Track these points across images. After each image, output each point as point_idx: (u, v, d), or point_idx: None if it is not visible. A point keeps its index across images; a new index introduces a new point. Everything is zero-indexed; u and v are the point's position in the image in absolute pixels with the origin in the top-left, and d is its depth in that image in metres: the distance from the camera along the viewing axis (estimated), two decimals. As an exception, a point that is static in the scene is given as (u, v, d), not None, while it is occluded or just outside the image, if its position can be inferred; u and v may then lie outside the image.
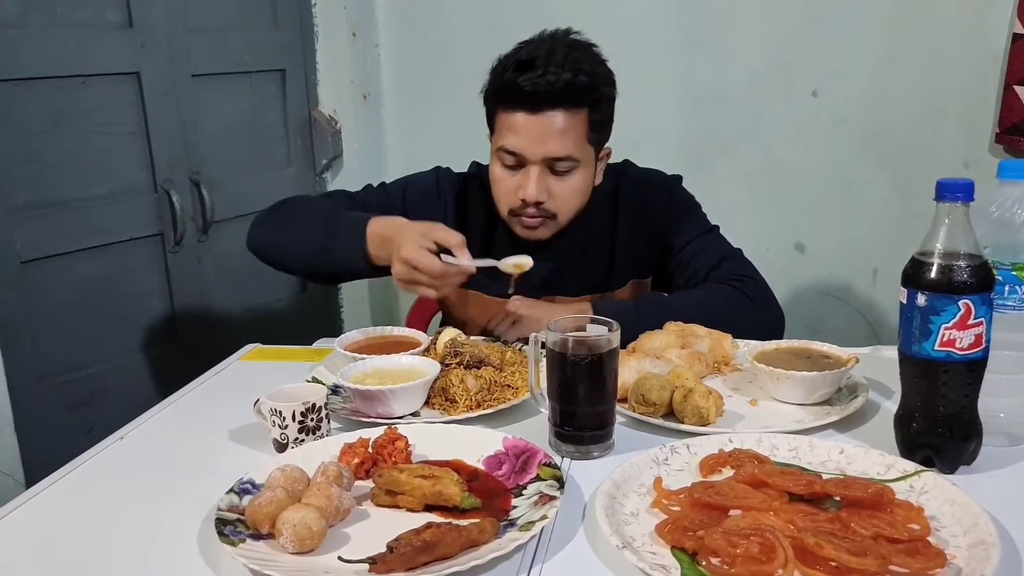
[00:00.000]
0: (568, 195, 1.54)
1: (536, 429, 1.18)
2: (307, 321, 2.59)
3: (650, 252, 1.67)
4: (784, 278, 2.44)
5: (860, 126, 2.42)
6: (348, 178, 2.66)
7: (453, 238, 1.38)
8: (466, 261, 1.37)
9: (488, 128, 1.59)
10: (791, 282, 2.51)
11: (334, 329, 2.71)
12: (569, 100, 1.46)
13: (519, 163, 1.51)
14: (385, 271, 1.47)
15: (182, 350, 2.16)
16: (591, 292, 1.65)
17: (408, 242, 1.38)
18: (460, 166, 1.78)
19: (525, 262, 1.41)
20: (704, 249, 1.63)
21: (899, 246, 2.36)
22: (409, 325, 2.13)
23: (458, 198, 1.69)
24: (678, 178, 1.71)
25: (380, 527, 0.96)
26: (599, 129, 1.54)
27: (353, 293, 2.77)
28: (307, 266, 1.58)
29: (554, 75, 1.44)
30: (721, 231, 1.68)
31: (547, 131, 1.47)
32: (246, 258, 2.33)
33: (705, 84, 2.48)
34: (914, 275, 1.01)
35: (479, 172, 1.71)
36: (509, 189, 1.54)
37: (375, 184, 1.76)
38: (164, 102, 2.07)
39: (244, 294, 2.37)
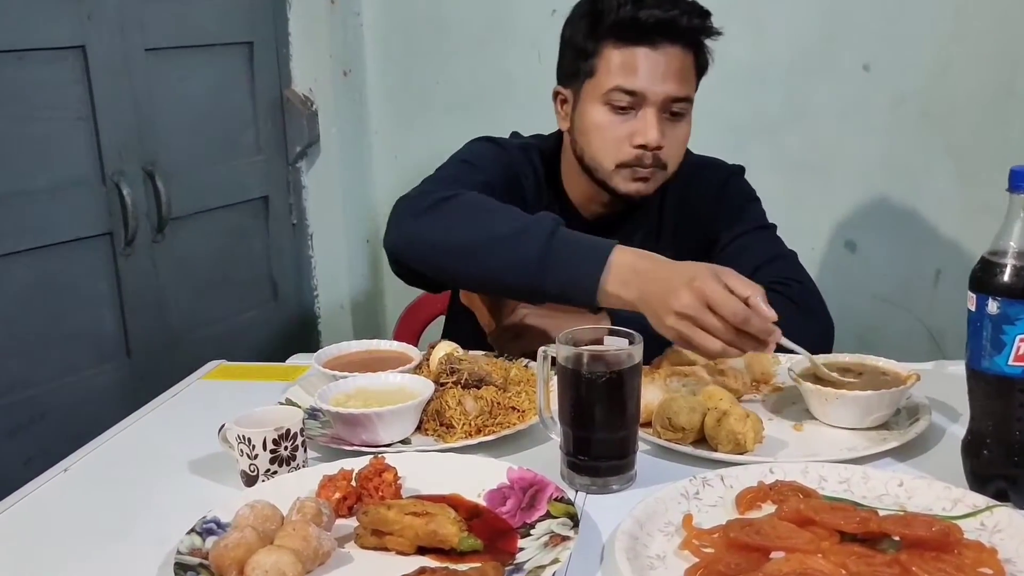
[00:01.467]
0: (680, 142, 1.60)
1: (546, 459, 1.17)
2: (280, 334, 2.59)
3: (696, 247, 1.70)
4: (832, 282, 2.43)
5: (919, 106, 2.42)
6: (326, 167, 2.66)
7: (750, 288, 1.22)
8: (768, 311, 1.21)
9: (565, 79, 1.63)
10: (840, 286, 2.50)
11: (311, 343, 2.71)
12: (685, 37, 1.55)
13: (632, 105, 1.55)
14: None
15: (135, 368, 2.16)
16: None
17: (704, 276, 1.22)
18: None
19: None
20: (751, 247, 1.65)
21: (965, 244, 2.43)
22: (398, 338, 2.14)
23: (521, 172, 1.68)
24: (739, 168, 1.76)
25: (365, 573, 0.95)
26: (701, 76, 1.63)
27: (332, 301, 2.77)
28: (484, 283, 1.47)
29: (675, 11, 1.53)
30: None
31: (669, 68, 1.54)
32: (208, 261, 2.36)
33: (740, 60, 2.48)
34: (984, 278, 1.01)
35: (539, 143, 1.74)
36: (621, 137, 1.56)
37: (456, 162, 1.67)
38: (114, 81, 2.07)
39: (207, 302, 2.37)
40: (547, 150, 1.73)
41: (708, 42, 1.60)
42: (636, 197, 1.60)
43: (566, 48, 1.63)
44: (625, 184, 1.59)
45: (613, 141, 1.57)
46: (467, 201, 1.47)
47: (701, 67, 1.61)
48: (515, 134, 1.79)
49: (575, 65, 1.60)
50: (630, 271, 1.29)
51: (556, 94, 1.66)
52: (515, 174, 1.67)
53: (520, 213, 1.43)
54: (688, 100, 1.57)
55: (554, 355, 1.13)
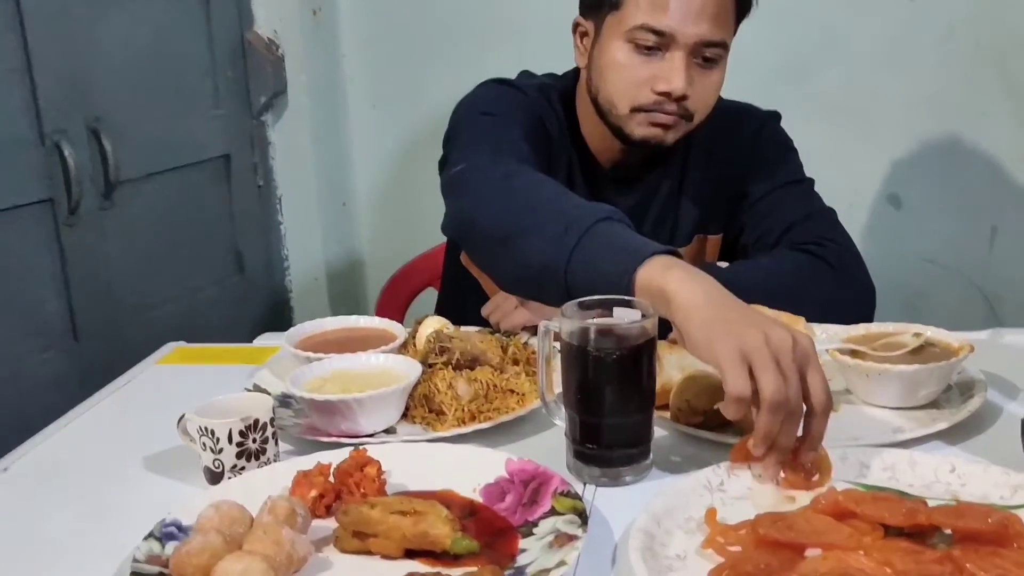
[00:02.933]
0: (710, 92, 1.60)
1: (549, 447, 1.18)
2: (246, 310, 2.59)
3: (724, 200, 1.72)
4: (875, 241, 2.43)
5: (972, 38, 2.40)
6: (295, 120, 2.66)
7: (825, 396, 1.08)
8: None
9: (588, 11, 1.62)
10: (884, 247, 2.51)
11: (281, 320, 2.71)
12: None
13: (659, 46, 1.54)
14: None
15: (83, 353, 2.16)
16: None
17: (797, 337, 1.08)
18: (449, 98, 1.77)
19: None
20: (785, 203, 1.66)
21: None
22: (380, 313, 2.15)
23: (545, 116, 1.69)
24: (775, 115, 1.77)
25: (346, 580, 0.96)
26: (740, 20, 1.62)
27: (305, 273, 2.77)
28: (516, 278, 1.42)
29: None
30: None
31: (704, 7, 1.53)
32: (163, 230, 2.35)
33: (767, -11, 2.47)
34: (1046, 235, 1.00)
35: (555, 83, 1.73)
36: (642, 79, 1.56)
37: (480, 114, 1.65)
38: (50, 27, 2.06)
39: (162, 277, 2.36)
40: (564, 91, 1.73)
41: None
42: (652, 142, 1.60)
43: None
44: (641, 128, 1.59)
45: (632, 83, 1.57)
46: (531, 181, 1.45)
47: (742, 9, 1.60)
48: (526, 73, 1.79)
49: (607, 3, 1.59)
50: (676, 267, 1.17)
51: (576, 26, 1.66)
52: (539, 117, 1.67)
53: (571, 199, 1.38)
54: (723, 46, 1.56)
55: (557, 330, 1.13)
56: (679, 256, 1.22)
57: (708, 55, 1.55)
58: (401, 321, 1.79)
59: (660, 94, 1.55)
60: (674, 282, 1.13)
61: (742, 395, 1.02)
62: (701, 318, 1.10)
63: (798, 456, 1.06)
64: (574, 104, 1.72)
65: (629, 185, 1.71)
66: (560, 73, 1.78)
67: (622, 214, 1.32)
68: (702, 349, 1.08)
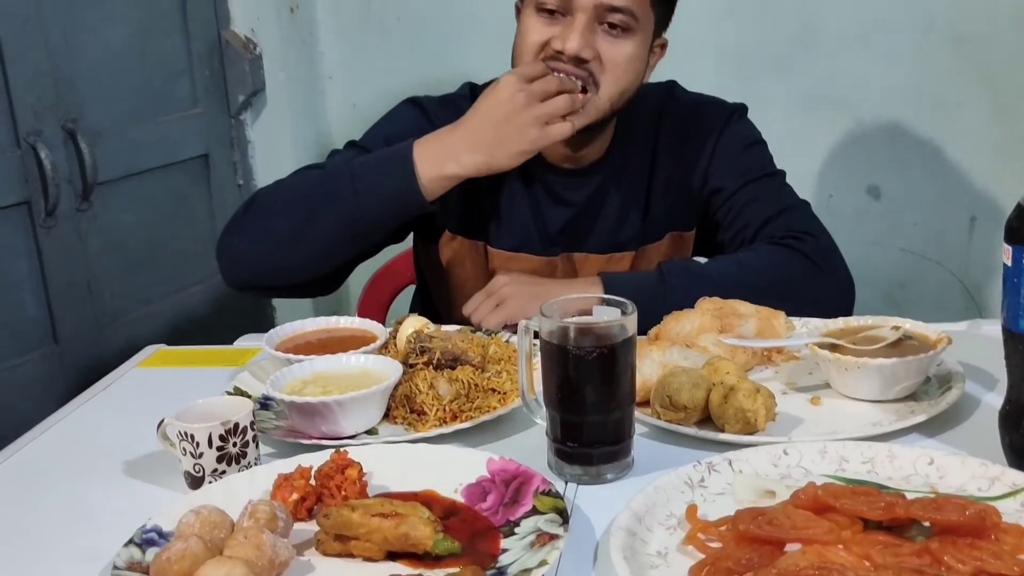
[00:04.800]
0: (620, 62, 1.56)
1: (530, 446, 1.18)
2: (226, 312, 2.58)
3: (695, 197, 1.71)
4: (853, 232, 2.44)
5: (951, 29, 2.41)
6: (274, 119, 2.65)
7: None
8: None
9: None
10: (862, 237, 2.52)
11: (262, 322, 2.71)
12: None
13: (562, 9, 1.53)
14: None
15: (63, 356, 2.15)
16: (622, 249, 1.71)
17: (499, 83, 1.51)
18: (431, 93, 1.78)
19: None
20: (759, 197, 1.66)
21: (1003, 187, 2.44)
22: (362, 312, 2.14)
23: None
24: (742, 107, 1.76)
25: (329, 583, 0.96)
26: (663, 1, 1.59)
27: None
28: (323, 255, 1.59)
29: None
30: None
31: None
32: (142, 231, 2.34)
33: (744, -20, 2.48)
34: (1021, 228, 1.01)
35: (475, 93, 1.72)
36: (539, 42, 1.55)
37: (344, 145, 1.75)
38: (25, 27, 2.05)
39: (142, 279, 2.36)
40: None
41: None
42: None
43: None
44: None
45: (533, 46, 1.56)
46: (272, 190, 1.64)
47: None
48: (471, 85, 1.77)
49: None
50: (430, 156, 1.52)
51: (516, 10, 1.65)
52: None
53: (331, 171, 1.60)
54: (630, 13, 1.53)
55: (537, 328, 1.13)
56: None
57: (613, 21, 1.53)
58: (383, 321, 1.80)
59: (556, 53, 1.53)
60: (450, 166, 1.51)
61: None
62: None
63: None
64: None
65: (583, 175, 1.70)
66: None
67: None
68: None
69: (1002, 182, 2.43)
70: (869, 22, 2.45)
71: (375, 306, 2.20)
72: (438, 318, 1.57)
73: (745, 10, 2.48)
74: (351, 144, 1.72)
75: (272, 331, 1.46)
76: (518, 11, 1.63)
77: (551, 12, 1.54)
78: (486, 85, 1.70)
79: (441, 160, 1.51)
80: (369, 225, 1.55)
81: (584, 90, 1.54)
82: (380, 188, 1.53)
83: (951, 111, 2.46)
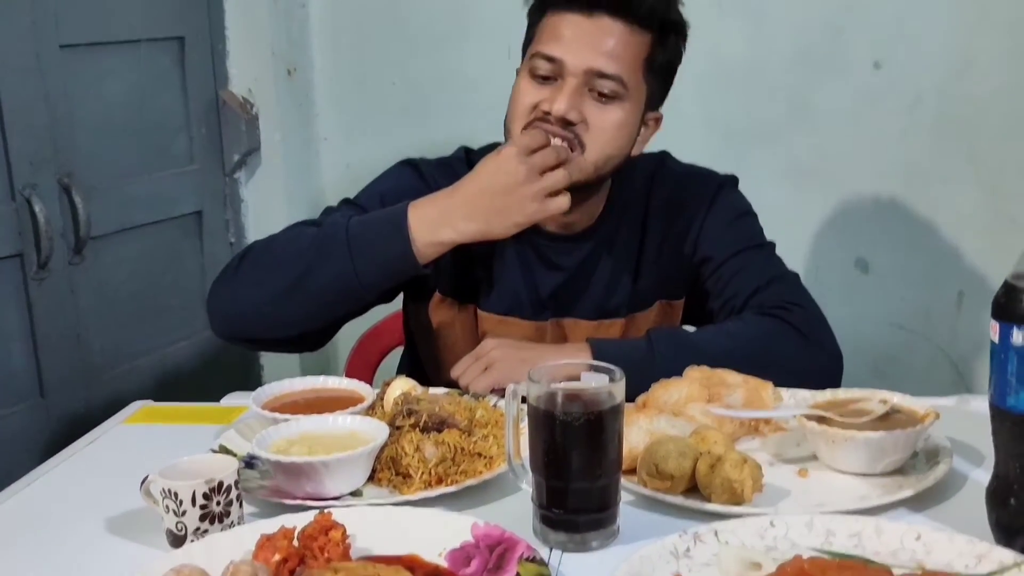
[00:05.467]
0: (606, 128, 1.58)
1: (515, 512, 1.17)
2: (213, 370, 2.57)
3: (685, 267, 1.72)
4: (842, 306, 2.44)
5: (937, 108, 2.44)
6: (268, 178, 2.66)
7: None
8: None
9: (522, 56, 1.65)
10: (851, 311, 2.52)
11: (249, 379, 2.69)
12: (632, 12, 1.55)
13: (554, 75, 1.56)
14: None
15: (49, 409, 2.14)
16: (611, 316, 1.72)
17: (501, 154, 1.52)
18: (425, 156, 1.79)
19: None
20: (748, 268, 1.67)
21: (990, 263, 2.45)
22: (350, 372, 2.14)
23: None
24: (732, 179, 1.78)
25: (308, 647, 0.95)
26: (660, 72, 1.62)
27: (276, 330, 2.75)
28: (313, 313, 1.59)
29: None
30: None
31: (598, 39, 1.55)
32: (133, 286, 2.34)
33: (737, 54, 2.50)
34: (1008, 305, 1.01)
35: (470, 157, 1.75)
36: (530, 104, 1.58)
37: (338, 203, 1.76)
38: (25, 81, 2.06)
39: (131, 334, 2.35)
40: None
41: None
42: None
43: (527, 24, 1.66)
44: None
45: (524, 108, 1.59)
46: (265, 244, 1.63)
47: (658, 58, 1.60)
48: (466, 150, 1.79)
49: (525, 42, 1.64)
50: (426, 222, 1.52)
51: (517, 74, 1.67)
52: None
53: (325, 229, 1.59)
54: (619, 81, 1.56)
55: (525, 394, 1.13)
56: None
57: (603, 89, 1.56)
58: (371, 381, 1.79)
59: (544, 113, 1.56)
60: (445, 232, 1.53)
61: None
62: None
63: None
64: None
65: (574, 241, 1.71)
66: None
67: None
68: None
69: (989, 259, 2.44)
70: (857, 98, 2.48)
71: (363, 366, 2.19)
72: (426, 380, 1.56)
73: (736, 82, 2.51)
74: (346, 201, 1.73)
75: (260, 390, 1.45)
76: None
77: (544, 77, 1.57)
78: (482, 150, 1.72)
79: (437, 225, 1.52)
80: (361, 285, 1.55)
81: (569, 149, 1.56)
82: (374, 250, 1.53)
83: (938, 187, 2.48)
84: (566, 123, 1.55)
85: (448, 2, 2.62)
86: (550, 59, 1.56)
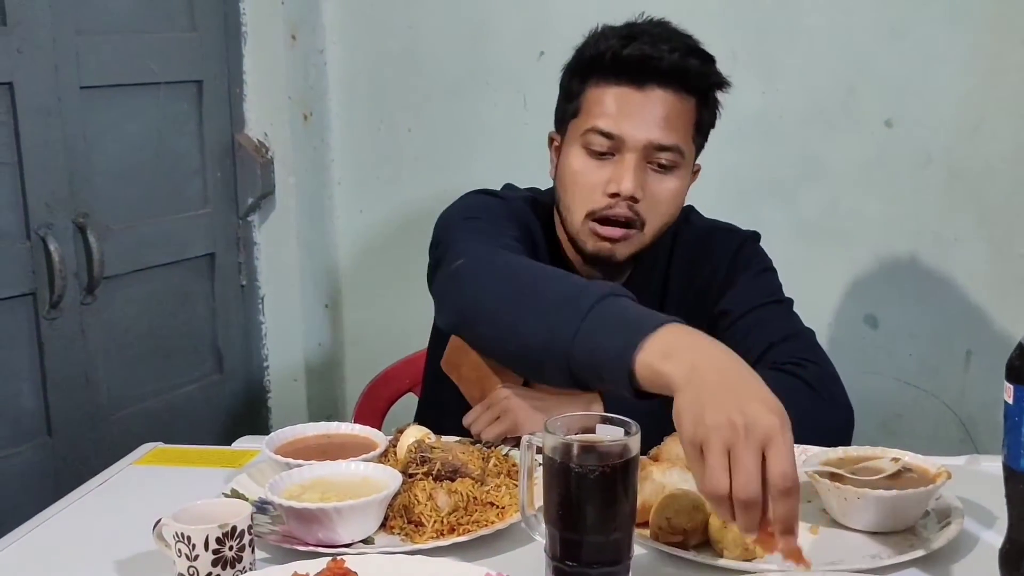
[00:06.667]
0: (664, 199, 1.61)
1: (528, 563, 1.17)
2: (225, 411, 2.57)
3: (703, 318, 1.72)
4: (851, 361, 2.45)
5: (948, 166, 2.46)
6: (281, 222, 2.67)
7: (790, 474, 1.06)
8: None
9: (558, 123, 1.67)
10: (860, 366, 2.52)
11: (259, 420, 2.70)
12: (680, 81, 1.57)
13: (612, 150, 1.57)
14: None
15: (57, 449, 2.14)
16: None
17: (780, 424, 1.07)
18: (430, 207, 1.81)
19: None
20: (764, 324, 1.67)
21: (999, 322, 2.46)
22: (359, 416, 2.14)
23: (528, 227, 1.72)
24: (755, 235, 1.80)
25: None
26: (703, 131, 1.65)
27: (284, 373, 2.76)
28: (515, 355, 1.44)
29: (667, 49, 1.55)
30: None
31: (653, 111, 1.56)
32: (144, 327, 2.35)
33: (749, 113, 2.52)
34: (1022, 367, 1.02)
35: (538, 196, 1.77)
36: (595, 184, 1.58)
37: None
38: (45, 122, 2.08)
39: (142, 374, 2.35)
40: (544, 204, 1.76)
41: (719, 94, 1.64)
42: (603, 255, 1.62)
43: (561, 90, 1.68)
44: (592, 242, 1.62)
45: (586, 187, 1.60)
46: (532, 266, 1.48)
47: (704, 119, 1.64)
48: (508, 186, 1.82)
49: (564, 107, 1.66)
50: (680, 341, 1.19)
51: (550, 140, 1.71)
52: (525, 225, 1.70)
53: (574, 280, 1.41)
54: (677, 151, 1.59)
55: (540, 444, 1.13)
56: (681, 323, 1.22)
57: (662, 160, 1.58)
58: (379, 426, 1.79)
59: (611, 195, 1.57)
60: (669, 365, 1.14)
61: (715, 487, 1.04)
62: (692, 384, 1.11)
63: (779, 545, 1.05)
64: (553, 219, 1.75)
65: None
66: (544, 188, 1.81)
67: (624, 289, 1.33)
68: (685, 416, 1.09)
69: (998, 318, 2.45)
70: (869, 156, 2.49)
71: (372, 411, 2.19)
72: (439, 428, 1.56)
73: (750, 139, 2.53)
74: (469, 218, 1.65)
75: (273, 434, 1.45)
76: (552, 143, 1.69)
77: (600, 153, 1.58)
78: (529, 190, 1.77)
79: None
80: (563, 363, 1.30)
81: (630, 226, 1.59)
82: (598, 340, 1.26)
83: (948, 246, 2.49)
84: (634, 200, 1.57)
85: (464, 51, 2.64)
86: (608, 135, 1.57)
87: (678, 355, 1.15)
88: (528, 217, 1.72)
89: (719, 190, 2.54)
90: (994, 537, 1.20)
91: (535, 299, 1.37)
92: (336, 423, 1.51)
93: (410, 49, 2.69)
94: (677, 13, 1.71)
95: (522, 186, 1.83)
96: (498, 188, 1.82)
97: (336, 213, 2.80)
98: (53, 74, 2.10)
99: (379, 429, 1.50)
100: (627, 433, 1.11)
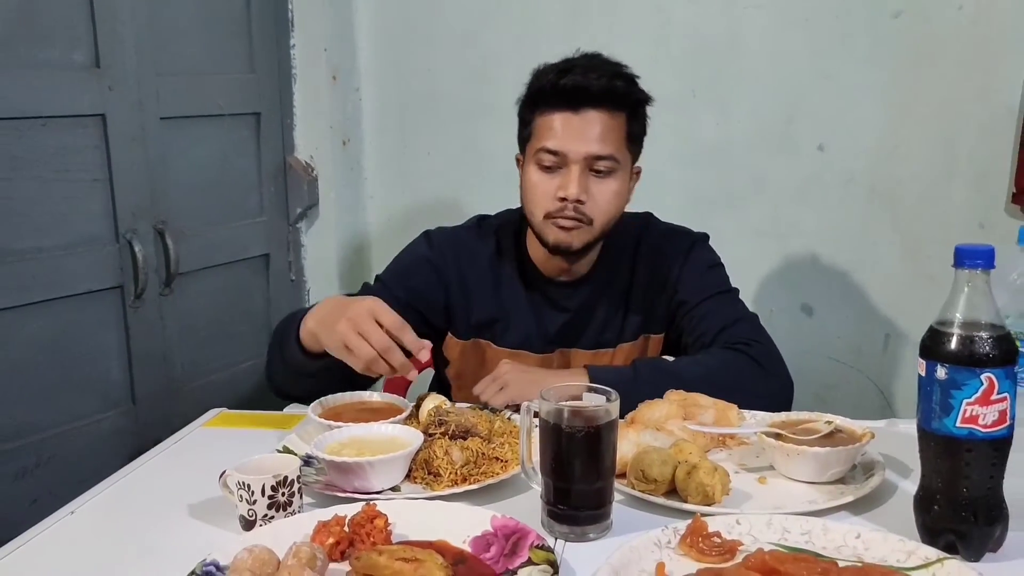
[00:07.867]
0: (607, 198, 1.60)
1: (527, 507, 1.16)
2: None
3: (664, 307, 1.72)
4: (790, 342, 2.43)
5: (869, 183, 2.45)
6: (324, 228, 2.67)
7: (395, 321, 1.36)
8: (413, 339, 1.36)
9: (520, 146, 1.67)
10: (797, 346, 2.50)
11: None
12: (609, 101, 1.56)
13: (559, 164, 1.57)
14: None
15: (140, 415, 2.13)
16: (605, 347, 1.72)
17: (358, 309, 1.36)
18: (446, 216, 1.80)
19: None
20: (716, 310, 1.66)
21: (911, 311, 2.45)
22: (387, 389, 2.13)
23: (461, 255, 1.73)
24: (704, 236, 1.78)
25: (356, 616, 0.94)
26: (635, 140, 1.63)
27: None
28: (301, 386, 1.58)
29: (595, 77, 1.55)
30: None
31: (588, 129, 1.56)
32: (211, 314, 2.34)
33: (708, 138, 2.52)
34: (933, 346, 1.01)
35: (482, 224, 1.77)
36: (547, 192, 1.59)
37: (374, 280, 1.76)
38: (131, 146, 2.07)
39: (209, 353, 2.34)
40: (513, 219, 1.76)
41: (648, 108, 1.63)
42: (562, 246, 1.61)
43: (519, 119, 1.67)
44: (552, 234, 1.61)
45: (542, 195, 1.60)
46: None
47: (634, 130, 1.62)
48: (480, 217, 1.81)
49: (521, 132, 1.66)
50: (311, 335, 1.46)
51: (518, 160, 1.69)
52: (437, 267, 1.71)
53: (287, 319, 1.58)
54: (613, 159, 1.58)
55: (537, 409, 1.13)
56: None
57: (601, 168, 1.57)
58: (404, 395, 1.78)
59: (561, 200, 1.57)
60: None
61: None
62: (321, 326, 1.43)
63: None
64: (521, 225, 1.74)
65: (575, 287, 1.71)
66: None
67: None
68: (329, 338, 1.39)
69: (910, 308, 2.43)
70: (804, 174, 2.49)
71: (397, 384, 2.18)
72: (451, 397, 1.56)
73: (706, 161, 2.52)
74: (377, 279, 1.74)
75: (316, 402, 1.45)
76: (518, 162, 1.68)
77: (549, 168, 1.58)
78: (497, 216, 1.78)
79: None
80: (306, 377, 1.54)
81: (581, 222, 1.58)
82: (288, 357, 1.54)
83: (868, 248, 2.48)
84: (579, 202, 1.57)
85: (472, 88, 2.63)
86: (554, 152, 1.56)
87: (321, 328, 1.43)
88: (455, 250, 1.72)
89: (683, 203, 2.54)
90: (910, 486, 1.19)
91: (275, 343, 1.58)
92: (369, 392, 1.50)
93: (429, 86, 2.68)
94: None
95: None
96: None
97: (369, 221, 2.79)
98: (138, 107, 2.09)
99: (404, 397, 1.49)
100: (608, 400, 1.11)
